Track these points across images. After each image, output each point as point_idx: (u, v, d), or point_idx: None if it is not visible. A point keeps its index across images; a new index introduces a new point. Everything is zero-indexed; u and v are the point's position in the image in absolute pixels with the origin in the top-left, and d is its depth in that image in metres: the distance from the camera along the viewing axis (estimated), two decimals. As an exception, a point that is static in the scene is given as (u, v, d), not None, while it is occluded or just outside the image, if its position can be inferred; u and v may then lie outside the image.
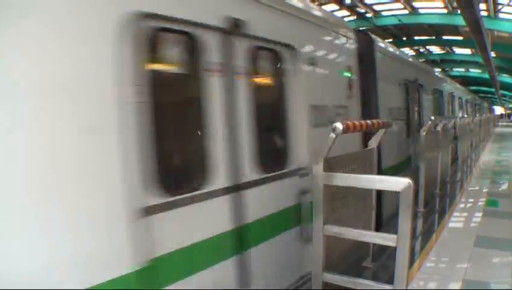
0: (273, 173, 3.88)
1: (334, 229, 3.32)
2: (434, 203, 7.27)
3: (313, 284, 3.41)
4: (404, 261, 2.95)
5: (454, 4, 17.49)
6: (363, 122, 3.48)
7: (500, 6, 19.10)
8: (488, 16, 19.28)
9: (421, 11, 22.20)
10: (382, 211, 6.24)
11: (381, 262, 4.36)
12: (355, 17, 21.45)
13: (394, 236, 2.98)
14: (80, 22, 2.38)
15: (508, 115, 68.03)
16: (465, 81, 34.33)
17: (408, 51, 29.34)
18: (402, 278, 2.98)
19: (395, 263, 2.99)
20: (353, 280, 3.32)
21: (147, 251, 2.63)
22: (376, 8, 22.02)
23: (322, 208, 3.28)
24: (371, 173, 3.94)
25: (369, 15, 22.17)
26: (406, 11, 22.17)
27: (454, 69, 39.45)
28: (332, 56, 5.27)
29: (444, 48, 32.59)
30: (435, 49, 33.13)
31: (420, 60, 18.15)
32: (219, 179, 3.26)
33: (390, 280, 3.12)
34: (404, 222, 2.92)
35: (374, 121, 3.74)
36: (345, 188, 3.50)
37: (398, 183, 2.94)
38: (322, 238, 3.30)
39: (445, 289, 3.96)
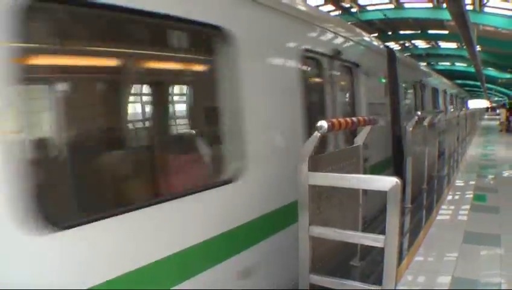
0: None
1: (320, 230, 3.23)
2: (421, 199, 7.23)
3: (299, 286, 3.32)
4: (393, 262, 2.88)
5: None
6: (348, 119, 3.38)
7: (485, 0, 19.25)
8: (474, 10, 19.42)
9: (406, 5, 22.31)
10: None
11: (369, 260, 4.29)
12: (339, 12, 21.46)
13: (382, 237, 2.90)
14: None
15: (493, 108, 68.92)
16: (450, 75, 34.65)
17: (393, 45, 29.47)
18: (391, 278, 2.91)
19: (383, 263, 2.92)
20: (340, 281, 3.25)
21: None
22: (361, 2, 22.06)
23: (308, 208, 3.18)
24: (357, 171, 3.86)
25: (354, 10, 22.20)
26: (391, 6, 22.26)
27: (439, 63, 39.85)
28: None
29: (429, 42, 32.83)
30: (421, 44, 33.35)
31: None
32: None
33: (378, 279, 3.05)
34: (392, 222, 2.84)
35: (360, 118, 3.65)
36: (331, 187, 3.42)
37: (385, 182, 2.86)
38: (308, 239, 3.21)
39: (434, 288, 3.91)
